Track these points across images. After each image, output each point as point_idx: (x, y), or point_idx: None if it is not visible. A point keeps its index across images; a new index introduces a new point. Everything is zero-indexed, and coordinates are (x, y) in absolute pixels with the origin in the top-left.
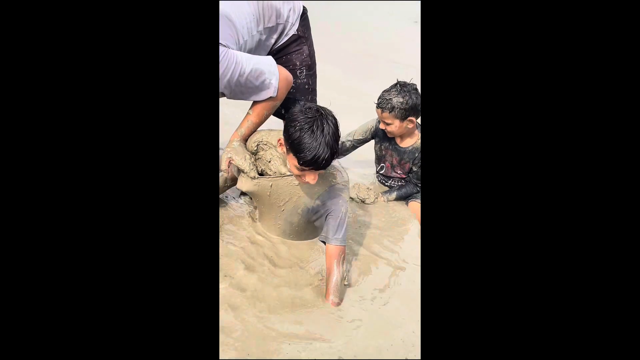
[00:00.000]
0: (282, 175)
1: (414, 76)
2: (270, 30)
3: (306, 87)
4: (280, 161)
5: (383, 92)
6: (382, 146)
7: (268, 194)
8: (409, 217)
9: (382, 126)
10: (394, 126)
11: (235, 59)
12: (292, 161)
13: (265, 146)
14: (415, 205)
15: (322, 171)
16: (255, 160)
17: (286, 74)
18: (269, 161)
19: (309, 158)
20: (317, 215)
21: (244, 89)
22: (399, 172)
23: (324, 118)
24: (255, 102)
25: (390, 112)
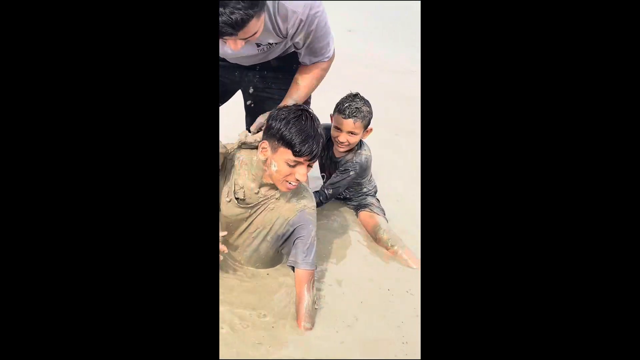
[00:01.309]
0: (265, 198)
1: (354, 88)
2: None
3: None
4: (250, 177)
5: (348, 102)
6: (322, 154)
7: (247, 214)
8: (353, 226)
9: (342, 138)
10: (358, 137)
11: (323, 8)
12: (282, 157)
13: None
14: (363, 215)
15: (309, 169)
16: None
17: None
18: (238, 176)
19: (304, 145)
20: (285, 243)
21: (315, 41)
22: None
23: (308, 112)
24: (302, 72)
25: (362, 121)
